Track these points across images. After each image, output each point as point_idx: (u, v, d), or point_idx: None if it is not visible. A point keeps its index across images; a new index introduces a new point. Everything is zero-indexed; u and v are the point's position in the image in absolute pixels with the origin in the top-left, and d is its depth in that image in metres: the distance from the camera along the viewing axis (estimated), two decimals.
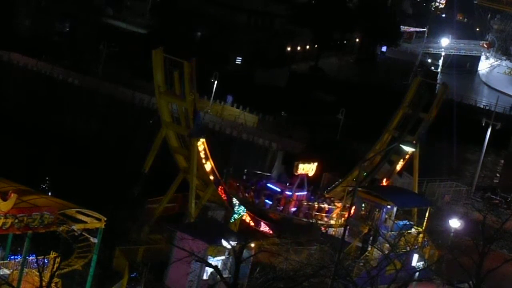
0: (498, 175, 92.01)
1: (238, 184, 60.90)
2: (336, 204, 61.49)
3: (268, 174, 64.95)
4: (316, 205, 60.64)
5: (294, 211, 60.21)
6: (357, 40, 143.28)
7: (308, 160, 61.66)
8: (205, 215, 55.29)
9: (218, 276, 38.41)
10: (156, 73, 54.86)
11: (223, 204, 56.96)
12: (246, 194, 60.31)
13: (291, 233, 53.85)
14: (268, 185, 61.53)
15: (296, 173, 60.55)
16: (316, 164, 61.50)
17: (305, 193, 61.22)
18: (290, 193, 60.70)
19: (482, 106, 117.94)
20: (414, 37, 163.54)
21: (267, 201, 60.38)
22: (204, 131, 55.69)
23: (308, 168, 60.83)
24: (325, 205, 60.86)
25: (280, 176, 63.45)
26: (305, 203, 60.51)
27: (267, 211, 59.89)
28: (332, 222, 59.69)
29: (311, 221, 59.82)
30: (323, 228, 59.45)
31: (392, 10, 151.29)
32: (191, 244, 40.95)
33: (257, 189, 61.05)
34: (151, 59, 54.94)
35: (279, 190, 61.21)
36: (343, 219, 58.33)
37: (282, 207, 60.24)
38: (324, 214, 60.34)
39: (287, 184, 61.60)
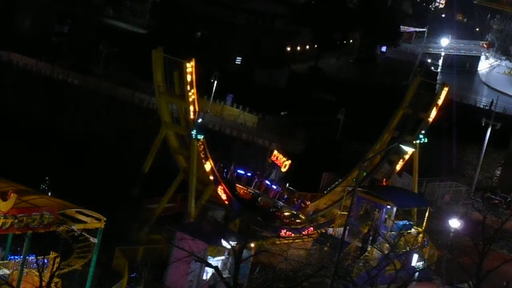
0: (498, 175, 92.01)
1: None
2: (306, 203, 61.87)
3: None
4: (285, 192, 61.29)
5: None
6: (357, 40, 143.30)
7: (284, 154, 62.13)
8: (205, 215, 55.33)
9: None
10: (156, 73, 54.88)
11: (223, 204, 57.05)
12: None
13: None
14: (238, 170, 61.88)
15: (269, 160, 61.18)
16: (289, 162, 61.86)
17: (275, 187, 61.50)
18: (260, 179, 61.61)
19: (482, 106, 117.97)
20: (414, 37, 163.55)
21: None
22: (204, 131, 55.71)
23: (281, 159, 61.37)
24: (295, 199, 61.24)
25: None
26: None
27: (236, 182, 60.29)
28: (302, 216, 60.22)
29: (279, 203, 60.32)
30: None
31: (392, 10, 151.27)
32: (190, 244, 40.99)
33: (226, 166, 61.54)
34: (151, 59, 54.94)
35: (250, 174, 61.90)
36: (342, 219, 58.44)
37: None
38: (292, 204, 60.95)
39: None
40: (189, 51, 70.13)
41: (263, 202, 60.73)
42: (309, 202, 62.73)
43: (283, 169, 61.97)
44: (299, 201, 61.77)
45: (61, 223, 37.45)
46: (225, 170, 60.92)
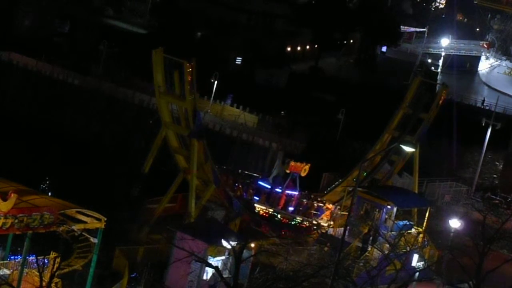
0: (498, 175, 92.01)
1: (227, 178, 60.88)
2: (327, 206, 61.55)
3: (257, 175, 64.50)
4: (305, 201, 60.80)
5: (291, 211, 60.19)
6: (357, 40, 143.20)
7: (301, 160, 61.74)
8: (205, 215, 55.31)
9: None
10: (156, 73, 54.86)
11: (223, 204, 57.00)
12: (235, 188, 60.37)
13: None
14: (259, 182, 61.53)
15: (287, 171, 60.71)
16: (308, 165, 61.56)
17: (296, 192, 61.15)
18: (279, 191, 60.77)
19: (482, 106, 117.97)
20: (414, 37, 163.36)
21: (255, 197, 60.39)
22: (204, 131, 55.67)
23: (299, 167, 60.93)
24: (315, 204, 60.92)
25: (275, 179, 63.34)
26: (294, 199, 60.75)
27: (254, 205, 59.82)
28: (323, 223, 59.47)
29: (297, 218, 59.98)
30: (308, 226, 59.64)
31: (392, 10, 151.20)
32: (191, 244, 41.00)
33: (245, 183, 60.94)
34: (151, 59, 54.93)
35: (269, 187, 61.31)
36: (340, 219, 58.35)
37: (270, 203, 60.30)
38: (313, 212, 60.37)
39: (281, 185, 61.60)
40: (189, 51, 70.12)
41: (282, 218, 60.08)
42: (332, 205, 62.15)
43: (303, 174, 61.48)
44: (323, 203, 61.35)
45: (61, 223, 37.48)
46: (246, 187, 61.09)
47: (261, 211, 59.27)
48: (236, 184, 59.96)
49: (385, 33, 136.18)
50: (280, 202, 60.30)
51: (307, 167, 61.33)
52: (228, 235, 41.77)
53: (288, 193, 60.78)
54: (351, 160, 67.25)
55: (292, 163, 60.59)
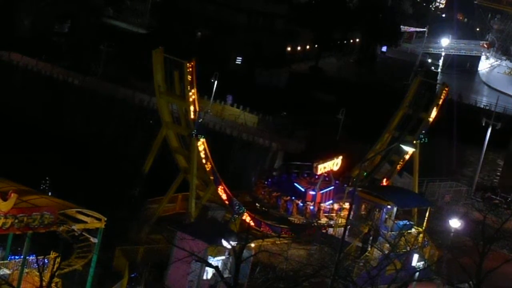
0: (498, 175, 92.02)
1: (262, 188, 61.37)
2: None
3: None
4: (337, 206, 60.85)
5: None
6: (357, 40, 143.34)
7: (328, 159, 61.67)
8: (205, 215, 55.30)
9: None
10: (156, 73, 54.82)
11: (223, 204, 57.00)
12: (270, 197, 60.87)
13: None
14: (294, 184, 61.51)
15: (317, 174, 60.61)
16: (339, 158, 61.49)
17: (331, 187, 61.17)
18: (314, 192, 60.72)
19: (482, 106, 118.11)
20: (414, 37, 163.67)
21: (293, 198, 60.67)
22: (205, 131, 55.67)
23: (329, 165, 61.06)
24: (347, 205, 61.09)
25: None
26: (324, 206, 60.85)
27: (287, 217, 60.13)
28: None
29: (331, 222, 60.09)
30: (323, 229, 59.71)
31: (393, 10, 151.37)
32: (191, 244, 40.98)
33: (277, 193, 61.22)
34: (151, 59, 54.92)
35: (303, 189, 61.15)
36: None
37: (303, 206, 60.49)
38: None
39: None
40: (189, 51, 70.11)
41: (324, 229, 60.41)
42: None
43: (336, 168, 61.70)
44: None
45: (62, 223, 37.49)
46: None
47: (296, 221, 59.48)
48: (270, 194, 60.49)
49: (385, 33, 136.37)
50: (315, 203, 60.63)
51: (338, 160, 61.39)
52: (228, 235, 41.76)
53: (323, 192, 60.94)
54: (351, 160, 67.22)
55: (319, 165, 60.47)
